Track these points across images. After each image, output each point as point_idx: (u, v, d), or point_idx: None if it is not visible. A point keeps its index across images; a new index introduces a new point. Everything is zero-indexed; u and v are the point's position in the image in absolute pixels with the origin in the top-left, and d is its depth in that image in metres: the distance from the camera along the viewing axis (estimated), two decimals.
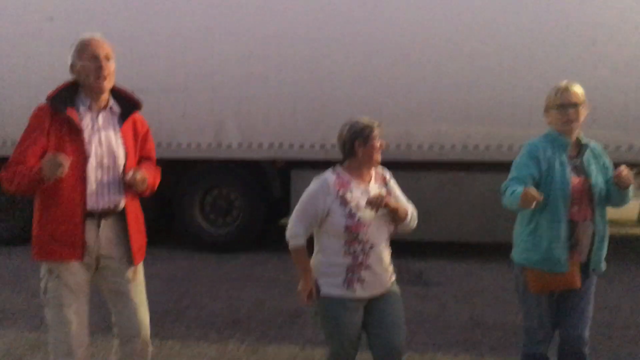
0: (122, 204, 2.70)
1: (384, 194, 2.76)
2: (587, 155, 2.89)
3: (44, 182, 2.45)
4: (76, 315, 2.61)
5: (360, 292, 2.73)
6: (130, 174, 2.66)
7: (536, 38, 6.10)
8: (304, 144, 6.56)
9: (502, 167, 6.20)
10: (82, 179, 2.56)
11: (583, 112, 2.86)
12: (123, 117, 2.73)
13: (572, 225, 2.83)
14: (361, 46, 6.39)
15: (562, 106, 2.84)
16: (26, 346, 4.04)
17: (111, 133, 2.68)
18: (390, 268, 2.87)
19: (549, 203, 2.81)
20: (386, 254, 2.81)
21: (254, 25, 6.54)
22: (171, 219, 7.20)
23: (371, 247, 2.72)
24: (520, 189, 2.70)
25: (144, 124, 2.87)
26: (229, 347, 4.08)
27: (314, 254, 2.84)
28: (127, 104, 2.76)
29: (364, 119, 2.79)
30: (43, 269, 2.64)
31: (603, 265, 2.94)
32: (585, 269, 2.89)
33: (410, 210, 2.82)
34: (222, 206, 7.07)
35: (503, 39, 6.15)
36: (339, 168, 2.82)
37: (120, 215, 2.70)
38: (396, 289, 2.91)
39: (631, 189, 2.83)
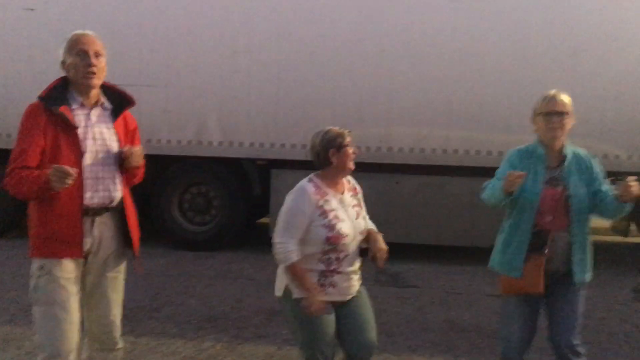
0: (117, 200, 2.70)
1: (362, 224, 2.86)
2: (569, 165, 2.90)
3: (52, 191, 2.44)
4: (66, 313, 2.57)
5: (331, 295, 2.77)
6: (127, 147, 2.66)
7: (520, 45, 6.18)
8: (285, 143, 6.56)
9: (481, 172, 6.34)
10: (80, 175, 2.54)
11: (568, 122, 2.88)
12: (114, 113, 2.73)
13: (544, 235, 2.87)
14: (344, 47, 6.41)
15: (548, 114, 2.87)
16: None
17: (104, 129, 2.67)
18: (359, 272, 2.90)
19: (514, 210, 2.91)
20: (357, 260, 2.86)
21: (238, 22, 6.52)
22: (149, 216, 7.13)
23: (345, 256, 2.77)
24: (500, 183, 2.81)
25: (133, 120, 2.87)
26: (205, 344, 4.06)
27: None
28: (118, 100, 2.75)
29: (335, 128, 2.84)
30: (33, 266, 2.60)
31: (588, 276, 2.94)
32: (567, 279, 2.90)
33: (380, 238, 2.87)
34: (201, 204, 7.03)
35: (487, 44, 6.21)
36: (315, 178, 2.84)
37: (116, 211, 2.71)
38: (363, 289, 2.96)
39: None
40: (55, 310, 2.55)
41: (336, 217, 2.73)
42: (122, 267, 2.80)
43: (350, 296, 2.85)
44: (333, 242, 2.70)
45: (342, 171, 2.83)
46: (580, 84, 5.96)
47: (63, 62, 2.62)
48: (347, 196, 2.86)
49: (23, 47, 6.68)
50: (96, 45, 2.61)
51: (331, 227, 2.70)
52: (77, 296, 2.63)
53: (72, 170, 2.39)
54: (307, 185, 2.78)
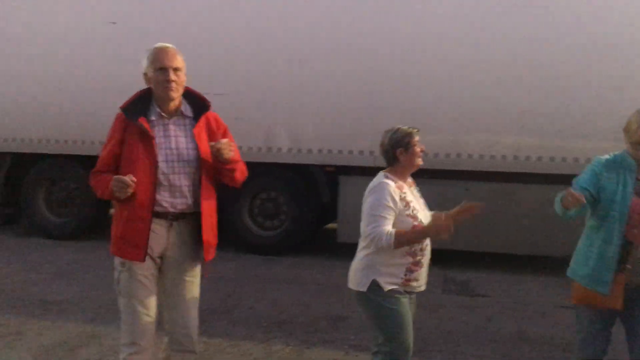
0: (192, 207, 2.80)
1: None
2: None
3: (117, 198, 2.65)
4: (144, 308, 2.75)
5: (413, 288, 2.87)
6: (212, 143, 2.74)
7: (596, 46, 5.97)
8: (352, 150, 6.61)
9: (555, 178, 6.16)
10: (153, 183, 2.68)
11: None
12: (195, 119, 2.83)
13: (629, 247, 2.77)
14: (411, 54, 6.39)
15: (638, 144, 2.76)
16: (82, 337, 4.21)
17: (182, 138, 2.77)
18: None
19: (605, 223, 2.80)
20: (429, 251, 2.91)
21: (305, 32, 6.63)
22: (220, 221, 7.33)
23: (426, 245, 2.86)
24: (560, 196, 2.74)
25: (220, 122, 2.95)
26: (275, 347, 4.15)
27: (363, 255, 2.88)
28: (199, 105, 2.86)
29: (403, 127, 2.94)
30: (116, 260, 2.80)
31: None
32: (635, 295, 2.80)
33: None
34: (270, 209, 7.17)
35: (560, 48, 6.04)
36: (388, 173, 2.90)
37: (193, 216, 2.81)
38: None
39: None
40: (134, 303, 2.74)
41: (415, 207, 2.83)
42: (198, 271, 2.92)
43: (424, 287, 2.92)
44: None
45: (409, 168, 2.93)
46: None
47: (145, 75, 2.78)
48: (414, 189, 2.99)
49: (106, 60, 7.04)
50: (176, 60, 2.73)
51: (414, 216, 2.79)
52: (155, 293, 2.80)
53: (130, 180, 2.56)
54: (385, 180, 2.83)
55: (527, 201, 6.27)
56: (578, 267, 2.93)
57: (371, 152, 6.53)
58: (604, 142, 5.85)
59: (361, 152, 6.58)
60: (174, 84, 2.70)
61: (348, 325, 4.64)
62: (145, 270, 2.75)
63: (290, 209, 7.09)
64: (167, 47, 2.76)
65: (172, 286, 2.85)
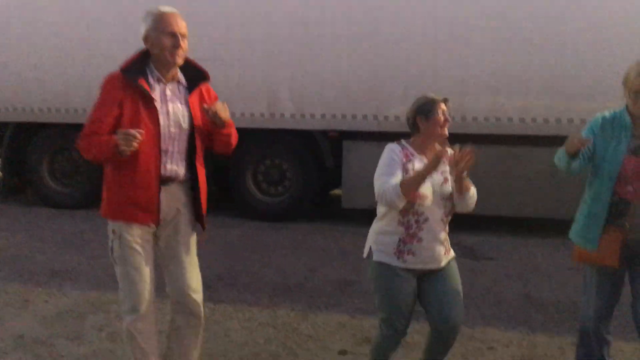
0: (183, 174, 2.78)
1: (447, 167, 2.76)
2: None
3: (120, 155, 2.55)
4: (139, 274, 2.72)
5: (411, 263, 2.74)
6: (206, 105, 2.69)
7: (601, 8, 5.83)
8: (356, 114, 6.53)
9: (561, 141, 6.07)
10: (158, 146, 2.65)
11: None
12: (189, 88, 2.79)
13: (625, 205, 2.73)
14: (417, 18, 6.26)
15: (637, 93, 2.68)
16: (88, 305, 4.24)
17: (178, 105, 2.73)
18: (447, 244, 2.84)
19: (595, 180, 2.80)
20: (441, 229, 2.77)
21: None
22: (226, 188, 7.33)
23: (425, 220, 2.71)
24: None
25: (212, 92, 2.90)
26: (280, 312, 4.17)
27: (375, 221, 2.88)
28: (194, 75, 2.81)
29: (428, 95, 2.80)
30: (109, 229, 2.76)
31: None
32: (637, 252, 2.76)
33: (473, 188, 2.80)
34: (275, 176, 7.15)
35: (566, 7, 5.89)
36: (403, 142, 2.82)
37: (185, 183, 2.80)
38: (454, 265, 2.90)
39: None
40: (129, 270, 2.72)
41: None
42: (194, 234, 2.90)
43: (435, 267, 2.79)
44: (410, 200, 2.65)
45: (429, 138, 2.77)
46: None
47: (147, 37, 2.67)
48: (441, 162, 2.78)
49: (109, 27, 6.94)
50: (183, 26, 2.68)
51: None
52: (149, 258, 2.77)
53: (138, 133, 2.50)
54: (393, 145, 2.79)
55: (534, 164, 6.21)
56: (573, 225, 2.96)
57: (375, 117, 6.46)
58: (611, 102, 5.76)
59: (365, 117, 6.50)
60: (181, 51, 2.66)
61: (354, 290, 4.64)
62: (138, 237, 2.72)
63: (294, 175, 7.06)
64: (175, 12, 2.69)
65: (171, 250, 2.83)
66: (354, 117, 6.55)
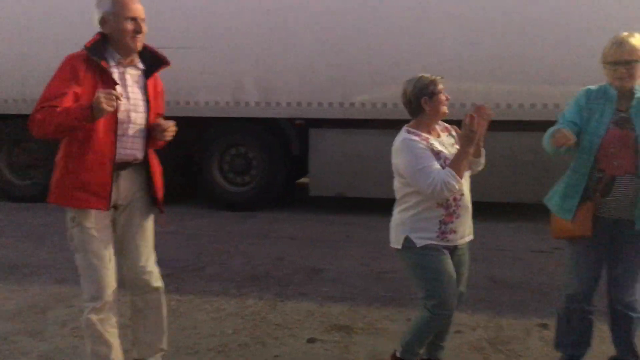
0: (141, 157, 2.77)
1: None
2: (637, 106, 2.70)
3: (88, 121, 2.47)
4: (100, 260, 2.68)
5: (453, 241, 2.78)
6: (165, 123, 2.73)
7: None
8: (322, 102, 6.50)
9: (525, 125, 6.17)
10: (113, 131, 2.62)
11: (637, 69, 2.67)
12: (146, 73, 2.77)
13: (608, 179, 2.73)
14: (382, 5, 6.24)
15: (615, 63, 2.69)
16: (50, 299, 4.13)
17: (136, 89, 2.73)
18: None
19: (577, 152, 2.79)
20: (469, 200, 2.82)
21: None
22: (191, 177, 7.24)
23: (462, 196, 2.75)
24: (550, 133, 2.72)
25: (159, 81, 2.90)
26: (248, 302, 4.13)
27: (398, 212, 2.84)
28: (150, 60, 2.79)
29: (426, 75, 2.80)
30: (67, 217, 2.70)
31: None
32: (626, 227, 2.75)
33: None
34: (241, 165, 7.08)
35: None
36: (410, 128, 2.78)
37: (141, 166, 2.79)
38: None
39: None
40: (90, 257, 2.68)
41: (446, 156, 2.71)
42: (150, 218, 2.88)
43: (470, 239, 2.87)
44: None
45: (435, 117, 2.79)
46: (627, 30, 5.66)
47: (104, 20, 2.64)
48: (445, 137, 2.84)
49: (67, 14, 6.74)
50: (142, 10, 2.67)
51: (443, 167, 2.66)
52: (110, 243, 2.74)
53: (119, 95, 2.47)
54: (407, 136, 2.74)
55: (498, 149, 6.28)
56: (552, 194, 2.96)
57: (341, 104, 6.44)
58: (573, 87, 5.86)
59: (331, 105, 6.48)
60: (142, 36, 2.66)
61: (322, 278, 4.64)
62: (98, 222, 2.68)
63: (260, 164, 7.01)
64: None
65: (124, 232, 2.81)
66: (320, 104, 6.52)
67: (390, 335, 3.56)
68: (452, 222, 2.74)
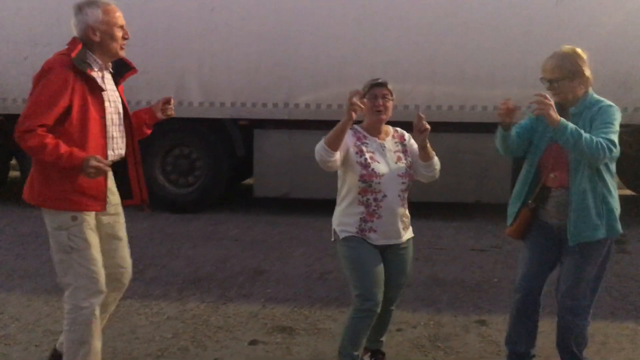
0: (124, 154, 2.93)
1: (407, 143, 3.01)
2: (575, 119, 2.78)
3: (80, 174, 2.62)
4: (99, 254, 2.80)
5: (373, 240, 2.89)
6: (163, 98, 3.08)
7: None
8: (266, 102, 6.47)
9: (466, 127, 6.31)
10: (103, 135, 2.74)
11: (565, 86, 2.77)
12: (114, 77, 2.90)
13: (545, 189, 2.88)
14: (324, 4, 6.26)
15: (542, 80, 2.86)
16: None
17: (114, 91, 2.86)
18: (406, 220, 2.99)
19: (525, 163, 2.97)
20: (399, 205, 2.91)
21: None
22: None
23: (383, 197, 2.85)
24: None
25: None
26: (189, 305, 4.06)
27: (335, 207, 3.02)
28: (118, 66, 2.92)
29: (373, 78, 2.96)
30: (63, 218, 2.70)
31: (590, 235, 2.78)
32: (565, 237, 2.85)
33: (435, 157, 2.99)
34: (184, 166, 6.95)
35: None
36: (356, 125, 2.95)
37: (122, 163, 2.93)
38: (411, 245, 3.06)
39: (566, 132, 2.61)
40: (92, 252, 2.76)
41: (372, 158, 2.86)
42: (122, 212, 3.01)
43: (396, 242, 2.94)
44: (366, 179, 2.82)
45: (369, 118, 2.93)
46: (563, 32, 5.89)
47: (92, 28, 2.71)
48: (390, 142, 2.97)
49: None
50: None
51: (365, 165, 2.83)
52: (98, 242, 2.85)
53: (107, 167, 2.64)
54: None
55: (440, 150, 6.35)
56: None
57: (285, 105, 6.42)
58: (512, 89, 6.05)
59: (275, 105, 6.45)
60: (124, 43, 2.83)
61: (266, 279, 4.61)
62: (93, 220, 2.78)
63: (204, 165, 6.91)
64: (115, 5, 2.81)
65: (108, 229, 2.91)
66: (264, 105, 6.48)
67: (332, 335, 3.58)
68: (372, 221, 2.87)
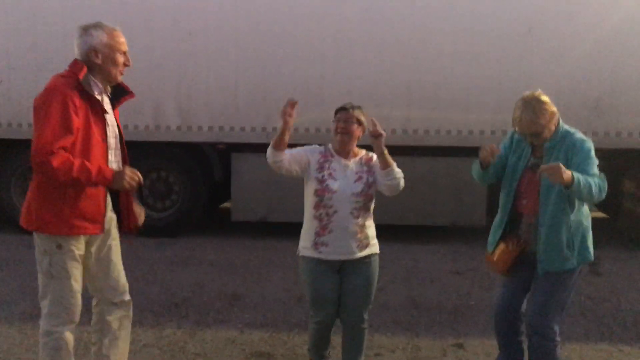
0: None
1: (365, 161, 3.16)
2: (550, 150, 2.87)
3: (108, 186, 2.69)
4: (78, 284, 2.79)
5: (325, 254, 3.04)
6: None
7: (474, 24, 6.22)
8: (244, 126, 6.48)
9: (441, 151, 6.40)
10: (105, 157, 2.75)
11: (543, 134, 2.85)
12: (111, 101, 2.90)
13: (519, 218, 2.99)
14: (303, 29, 6.34)
15: (518, 133, 2.95)
16: None
17: (112, 116, 2.85)
18: (362, 238, 3.07)
19: (502, 192, 3.05)
20: (351, 222, 3.01)
21: (194, 3, 6.39)
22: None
23: (334, 213, 3.00)
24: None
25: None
26: (166, 331, 4.01)
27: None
28: (115, 90, 2.91)
29: (345, 103, 3.14)
30: (48, 243, 2.71)
31: (562, 265, 2.87)
32: (535, 262, 2.93)
33: (396, 167, 3.09)
34: (161, 189, 6.91)
35: (442, 23, 6.23)
36: (328, 145, 3.15)
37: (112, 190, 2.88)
38: (372, 261, 3.15)
39: (580, 187, 2.64)
40: (72, 283, 2.75)
41: (330, 175, 3.03)
42: (117, 234, 3.00)
43: (348, 258, 3.05)
44: (319, 194, 3.00)
45: (333, 139, 3.11)
46: (535, 59, 6.05)
47: (96, 51, 2.72)
48: (354, 163, 3.11)
49: None
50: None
51: (321, 181, 3.02)
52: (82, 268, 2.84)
53: (140, 177, 2.72)
54: (317, 146, 3.17)
55: (416, 173, 6.47)
56: None
57: (263, 129, 6.45)
58: (486, 115, 6.17)
59: (253, 129, 6.47)
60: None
61: (243, 304, 4.58)
62: (82, 247, 2.77)
63: (182, 188, 6.87)
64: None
65: (101, 252, 2.88)
66: (242, 129, 6.50)
67: None
68: (324, 235, 3.03)
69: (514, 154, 3.00)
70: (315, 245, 3.04)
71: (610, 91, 6.19)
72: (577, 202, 2.86)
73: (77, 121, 2.61)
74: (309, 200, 3.08)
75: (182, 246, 6.35)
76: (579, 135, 2.91)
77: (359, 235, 3.05)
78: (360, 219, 3.04)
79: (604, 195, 2.75)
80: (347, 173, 3.05)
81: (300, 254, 3.15)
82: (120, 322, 2.98)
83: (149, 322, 4.18)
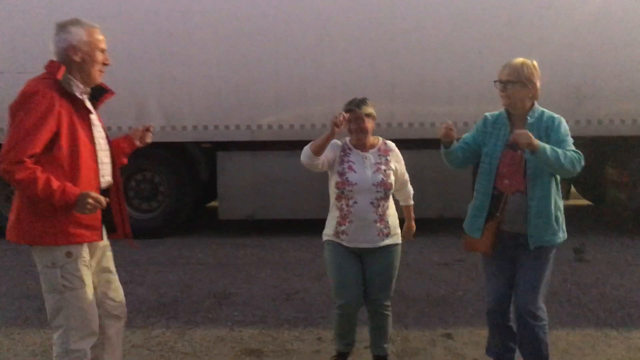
0: (111, 183, 2.79)
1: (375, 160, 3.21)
2: (529, 128, 2.89)
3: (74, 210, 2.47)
4: (92, 293, 2.65)
5: (345, 242, 3.14)
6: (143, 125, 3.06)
7: (457, 15, 6.25)
8: (229, 125, 6.47)
9: (426, 143, 6.43)
10: (95, 161, 2.62)
11: (516, 90, 2.89)
12: (91, 101, 2.75)
13: (500, 197, 2.95)
14: (284, 26, 6.34)
15: (498, 82, 2.96)
16: None
17: (96, 116, 2.72)
18: (381, 225, 3.14)
19: (480, 175, 3.05)
20: (371, 212, 3.10)
21: (175, 2, 6.36)
22: None
23: (354, 204, 3.10)
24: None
25: None
26: (155, 332, 4.00)
27: None
28: (93, 89, 2.76)
29: (352, 101, 3.21)
30: (55, 255, 2.54)
31: (551, 240, 2.94)
32: (525, 241, 2.94)
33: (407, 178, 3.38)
34: (147, 190, 6.88)
35: (426, 15, 6.26)
36: (346, 139, 3.23)
37: (106, 192, 2.73)
38: (394, 250, 3.26)
39: (547, 154, 2.73)
40: (87, 291, 2.60)
41: (350, 167, 3.12)
42: (109, 244, 2.89)
43: (368, 246, 3.13)
44: (339, 187, 3.11)
45: (352, 137, 3.19)
46: (514, 49, 6.07)
47: (75, 48, 2.58)
48: (372, 154, 3.19)
49: None
50: None
51: (342, 173, 3.12)
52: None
53: (103, 200, 2.48)
54: (337, 141, 3.19)
55: None
56: (466, 219, 3.18)
57: (248, 127, 6.44)
58: (469, 106, 6.21)
59: (238, 127, 6.46)
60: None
61: (232, 302, 4.58)
62: (88, 255, 2.64)
63: (168, 189, 6.85)
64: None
65: (101, 263, 2.79)
66: (226, 127, 6.49)
67: (300, 356, 3.57)
68: (345, 225, 3.13)
69: (490, 137, 3.00)
70: (337, 233, 3.16)
71: (590, 79, 6.27)
72: (557, 182, 2.93)
73: (55, 123, 2.45)
74: (332, 191, 3.19)
75: (170, 246, 6.34)
76: (555, 115, 2.99)
77: (379, 225, 3.13)
78: (380, 209, 3.13)
79: (578, 168, 2.81)
80: (366, 165, 3.15)
81: (324, 240, 3.26)
82: (118, 333, 2.86)
83: (138, 322, 4.16)
